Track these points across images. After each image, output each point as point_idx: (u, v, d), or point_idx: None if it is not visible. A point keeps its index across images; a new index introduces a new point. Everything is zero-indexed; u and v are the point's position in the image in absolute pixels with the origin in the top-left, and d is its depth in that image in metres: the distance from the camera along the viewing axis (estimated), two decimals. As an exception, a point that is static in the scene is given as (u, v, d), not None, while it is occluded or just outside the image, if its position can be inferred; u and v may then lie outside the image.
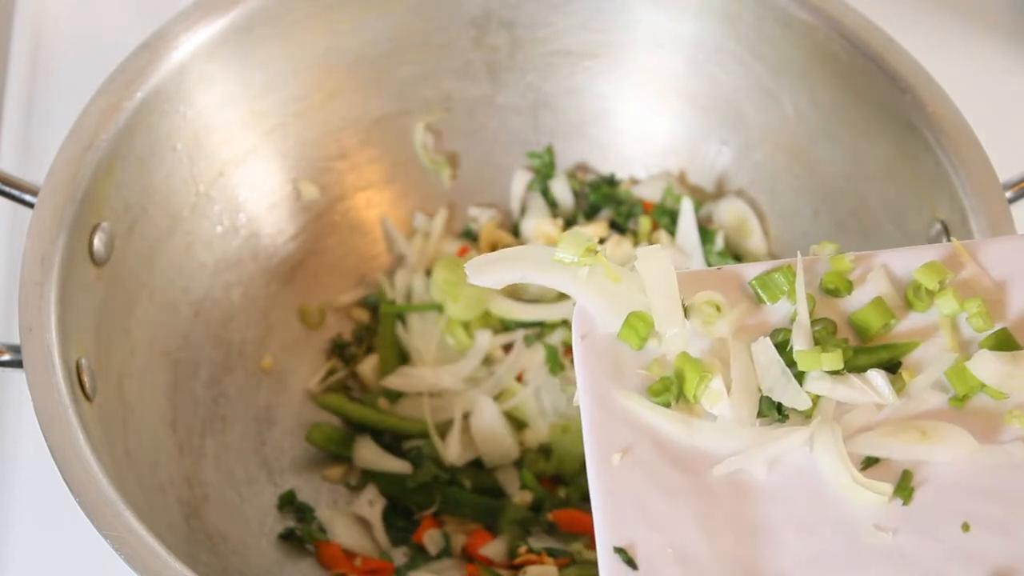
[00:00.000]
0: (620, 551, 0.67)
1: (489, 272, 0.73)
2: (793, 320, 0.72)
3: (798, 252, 0.76)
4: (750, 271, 0.75)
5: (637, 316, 0.72)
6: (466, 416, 1.07)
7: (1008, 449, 0.69)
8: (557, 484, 1.07)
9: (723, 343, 0.72)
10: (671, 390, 0.70)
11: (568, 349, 1.09)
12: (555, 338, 1.08)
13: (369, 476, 1.07)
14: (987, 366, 0.70)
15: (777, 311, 0.74)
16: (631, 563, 0.67)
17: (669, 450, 0.69)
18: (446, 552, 1.04)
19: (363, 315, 1.14)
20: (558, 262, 0.72)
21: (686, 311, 0.72)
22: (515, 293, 1.11)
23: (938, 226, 0.95)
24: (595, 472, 0.69)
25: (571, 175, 1.17)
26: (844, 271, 0.74)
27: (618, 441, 0.70)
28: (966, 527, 0.67)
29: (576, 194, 1.17)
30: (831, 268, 0.74)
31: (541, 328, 1.09)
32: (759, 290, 0.74)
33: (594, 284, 0.73)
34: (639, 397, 0.71)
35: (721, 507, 0.68)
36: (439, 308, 1.10)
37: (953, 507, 0.68)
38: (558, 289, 0.74)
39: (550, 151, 1.17)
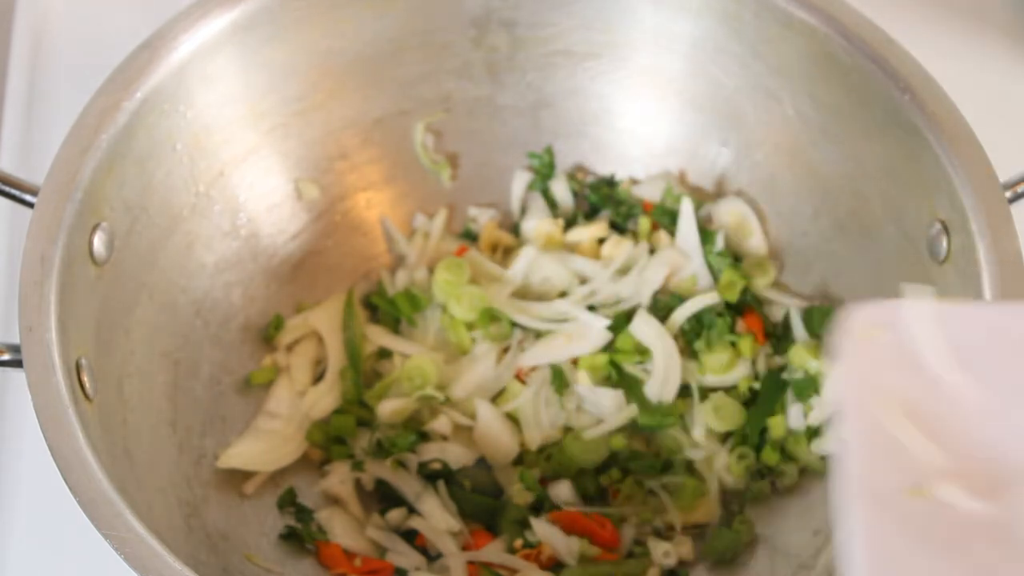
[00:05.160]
0: None
1: None
2: None
3: None
4: None
5: None
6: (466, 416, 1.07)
7: None
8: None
9: None
10: None
11: (575, 361, 1.08)
12: (561, 352, 1.08)
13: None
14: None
15: None
16: None
17: None
18: (446, 552, 1.03)
19: (363, 315, 1.14)
20: None
21: None
22: (515, 293, 1.11)
23: (938, 226, 0.95)
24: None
25: (571, 175, 1.17)
26: None
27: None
28: None
29: (576, 194, 1.17)
30: None
31: (540, 327, 1.09)
32: None
33: None
34: None
35: None
36: (423, 304, 1.10)
37: None
38: None
39: (550, 151, 1.17)
